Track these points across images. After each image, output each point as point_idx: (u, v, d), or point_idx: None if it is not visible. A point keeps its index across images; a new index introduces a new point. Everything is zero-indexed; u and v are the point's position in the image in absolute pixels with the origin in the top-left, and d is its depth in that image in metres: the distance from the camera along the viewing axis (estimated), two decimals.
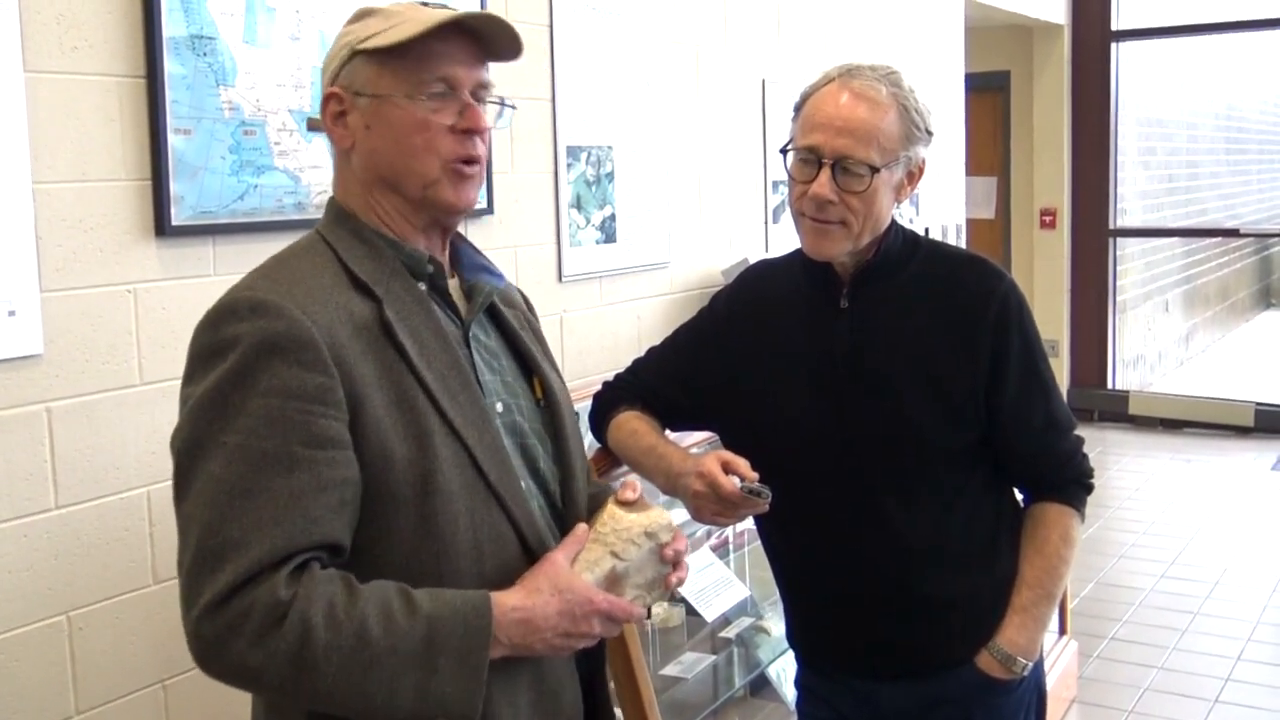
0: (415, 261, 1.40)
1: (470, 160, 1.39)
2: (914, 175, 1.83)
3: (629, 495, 1.44)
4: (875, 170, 1.73)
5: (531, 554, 1.39)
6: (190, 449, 1.26)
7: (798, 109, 1.83)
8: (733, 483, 1.67)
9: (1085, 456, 1.91)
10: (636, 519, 1.42)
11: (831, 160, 1.73)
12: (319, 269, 1.35)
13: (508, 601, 1.30)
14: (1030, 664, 1.85)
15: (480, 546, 1.35)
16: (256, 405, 1.24)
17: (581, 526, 1.42)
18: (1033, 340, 1.84)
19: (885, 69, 1.80)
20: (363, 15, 1.41)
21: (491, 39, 1.41)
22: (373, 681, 1.23)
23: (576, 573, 1.36)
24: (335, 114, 1.40)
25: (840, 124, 1.73)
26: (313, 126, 1.48)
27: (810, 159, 1.76)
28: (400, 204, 1.40)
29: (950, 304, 1.81)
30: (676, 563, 1.45)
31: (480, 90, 1.41)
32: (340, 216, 1.41)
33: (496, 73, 3.24)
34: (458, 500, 1.33)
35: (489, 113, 1.44)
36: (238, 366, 1.25)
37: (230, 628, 1.20)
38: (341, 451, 1.27)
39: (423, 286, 1.41)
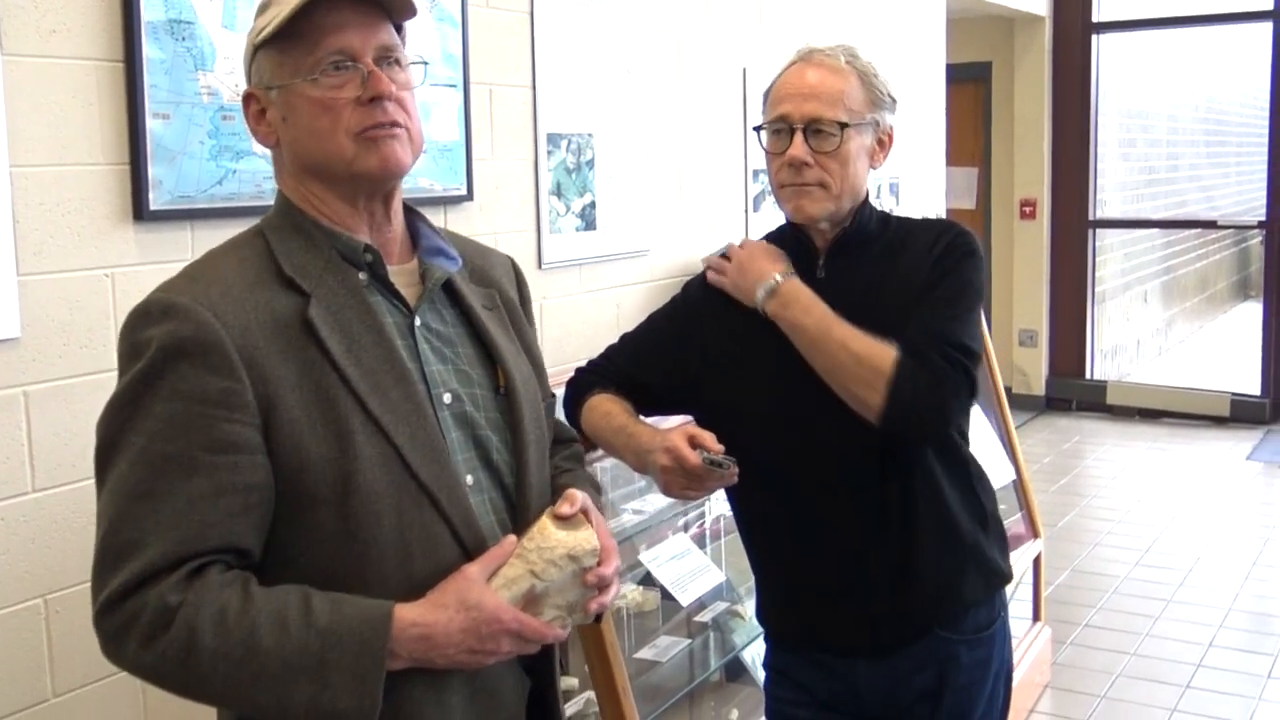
0: (352, 251, 1.38)
1: (379, 126, 1.35)
2: (884, 142, 1.91)
3: (565, 510, 1.39)
4: (844, 126, 1.80)
5: (467, 551, 1.36)
6: (105, 446, 1.28)
7: (766, 95, 1.91)
8: (697, 456, 1.69)
9: (962, 367, 1.76)
10: (563, 539, 1.36)
11: (802, 125, 1.82)
12: (245, 265, 1.34)
13: (408, 616, 1.27)
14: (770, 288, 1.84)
15: (408, 547, 1.32)
16: (161, 409, 1.25)
17: (510, 539, 1.38)
18: (966, 272, 1.82)
19: (843, 46, 1.89)
20: (261, 8, 1.39)
21: (382, 1, 1.38)
22: (261, 691, 1.23)
23: (493, 589, 1.32)
24: (256, 114, 1.39)
25: (806, 91, 1.83)
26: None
27: (782, 128, 1.84)
28: (332, 188, 1.39)
29: (913, 265, 1.84)
30: (602, 587, 1.40)
31: (385, 53, 1.37)
32: (284, 209, 1.41)
33: (478, 59, 3.22)
34: (382, 500, 1.31)
35: (413, 73, 1.41)
36: (147, 369, 1.26)
37: (124, 627, 1.23)
38: (246, 456, 1.26)
39: (362, 276, 1.38)
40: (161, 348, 1.25)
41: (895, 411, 1.73)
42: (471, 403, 1.44)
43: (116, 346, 1.33)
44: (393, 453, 1.32)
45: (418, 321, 1.42)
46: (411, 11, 1.42)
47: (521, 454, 1.46)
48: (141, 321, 1.29)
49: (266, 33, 1.35)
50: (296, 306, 1.32)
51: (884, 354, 1.74)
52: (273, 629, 1.23)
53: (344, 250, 1.38)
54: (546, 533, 1.37)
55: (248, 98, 1.40)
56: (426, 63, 1.50)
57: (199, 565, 1.24)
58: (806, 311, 1.81)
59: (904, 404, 1.72)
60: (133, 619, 1.22)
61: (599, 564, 1.40)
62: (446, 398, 1.41)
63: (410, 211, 1.50)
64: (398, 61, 1.39)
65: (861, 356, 1.74)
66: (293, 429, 1.28)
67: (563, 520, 1.39)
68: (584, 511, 1.42)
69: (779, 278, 1.85)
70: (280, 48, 1.35)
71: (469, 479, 1.40)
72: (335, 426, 1.30)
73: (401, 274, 1.43)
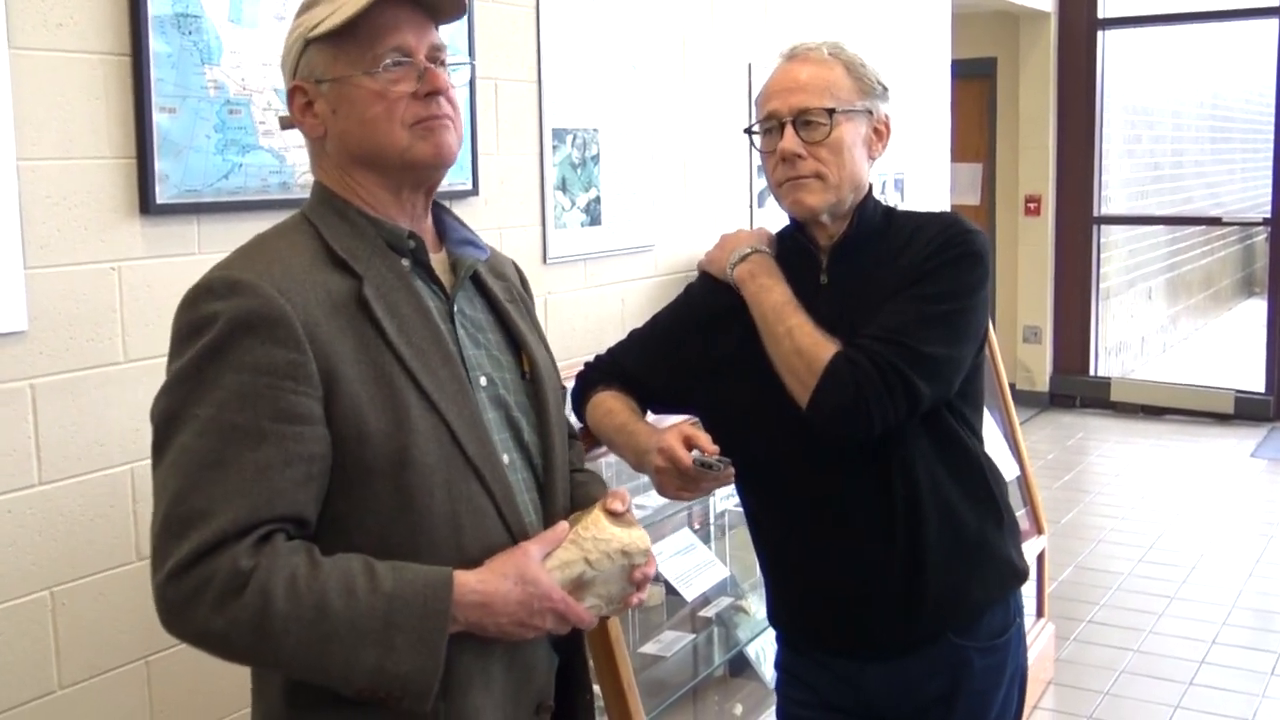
0: (396, 238, 1.43)
1: (435, 118, 1.42)
2: (881, 132, 1.89)
3: (617, 507, 1.47)
4: (832, 112, 1.79)
5: (508, 525, 1.42)
6: (166, 419, 1.31)
7: (756, 101, 1.92)
8: (691, 457, 1.70)
9: (897, 373, 1.70)
10: (618, 534, 1.45)
11: (791, 117, 1.81)
12: (298, 248, 1.38)
13: (468, 583, 1.33)
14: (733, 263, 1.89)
15: (458, 518, 1.38)
16: (229, 380, 1.27)
17: (563, 525, 1.45)
18: (955, 274, 1.77)
19: (827, 41, 1.89)
20: (309, 5, 1.43)
21: (433, 4, 1.44)
22: (330, 654, 1.26)
23: (547, 569, 1.40)
24: (302, 105, 1.43)
25: (793, 85, 1.83)
26: (286, 125, 1.51)
27: (772, 125, 1.85)
28: (380, 179, 1.43)
29: (912, 262, 1.80)
30: (641, 585, 1.49)
31: (435, 53, 1.44)
32: (325, 197, 1.45)
33: (484, 54, 3.23)
34: (435, 473, 1.36)
35: (456, 74, 1.47)
36: (213, 342, 1.28)
37: (194, 593, 1.25)
38: (310, 427, 1.30)
39: (405, 263, 1.43)
40: (229, 321, 1.28)
41: (816, 411, 1.74)
42: (504, 386, 1.49)
43: (173, 324, 1.34)
44: (444, 428, 1.37)
45: (455, 307, 1.47)
46: (459, 14, 1.48)
47: (548, 436, 1.52)
48: (205, 297, 1.32)
49: (323, 28, 1.38)
50: (351, 287, 1.37)
51: (823, 352, 1.73)
52: (341, 593, 1.27)
53: (388, 237, 1.43)
54: (601, 525, 1.45)
55: (294, 90, 1.44)
56: (472, 63, 1.55)
57: (266, 533, 1.27)
58: (768, 289, 1.83)
59: (823, 405, 1.73)
60: (204, 584, 1.24)
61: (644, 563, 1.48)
62: (482, 380, 1.47)
63: (434, 205, 1.55)
64: (443, 61, 1.45)
65: (802, 349, 1.75)
66: (353, 402, 1.32)
67: (614, 516, 1.46)
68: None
69: (750, 249, 1.89)
70: (335, 43, 1.39)
71: (505, 458, 1.46)
72: (391, 401, 1.34)
73: (436, 263, 1.48)
